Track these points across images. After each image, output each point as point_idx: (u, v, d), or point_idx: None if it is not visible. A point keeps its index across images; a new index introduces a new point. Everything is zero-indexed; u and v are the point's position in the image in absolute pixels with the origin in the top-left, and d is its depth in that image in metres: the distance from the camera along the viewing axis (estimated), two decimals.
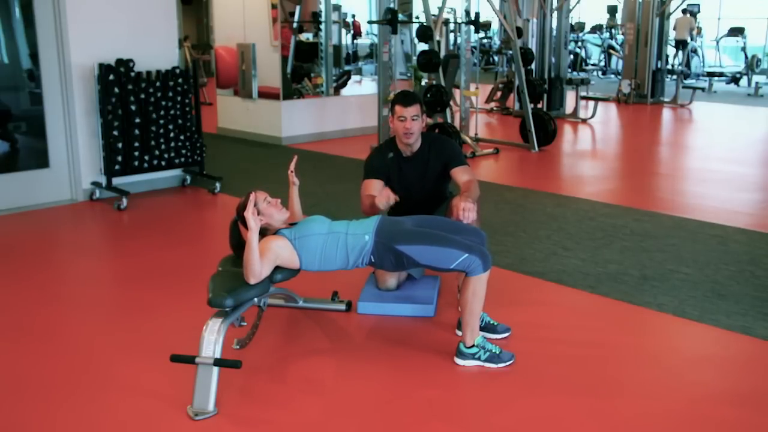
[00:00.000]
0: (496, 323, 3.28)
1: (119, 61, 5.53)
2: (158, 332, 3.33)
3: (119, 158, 5.59)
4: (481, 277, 2.93)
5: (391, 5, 7.14)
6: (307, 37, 9.47)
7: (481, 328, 3.19)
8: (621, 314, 3.58)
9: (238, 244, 3.04)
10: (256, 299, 2.97)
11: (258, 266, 2.82)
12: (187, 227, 5.23)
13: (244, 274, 2.83)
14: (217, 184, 5.95)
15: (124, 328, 3.40)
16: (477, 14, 8.55)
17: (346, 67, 10.58)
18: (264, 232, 3.02)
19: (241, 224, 3.01)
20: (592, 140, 9.20)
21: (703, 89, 12.84)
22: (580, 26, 17.91)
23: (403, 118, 3.52)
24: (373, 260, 3.07)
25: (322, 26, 9.22)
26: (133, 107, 5.58)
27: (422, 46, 7.86)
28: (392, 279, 3.62)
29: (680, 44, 14.71)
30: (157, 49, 5.88)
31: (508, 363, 2.99)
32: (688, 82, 13.70)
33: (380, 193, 3.31)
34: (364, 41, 12.41)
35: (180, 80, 5.86)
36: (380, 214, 3.55)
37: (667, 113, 11.26)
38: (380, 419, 2.64)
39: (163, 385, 2.83)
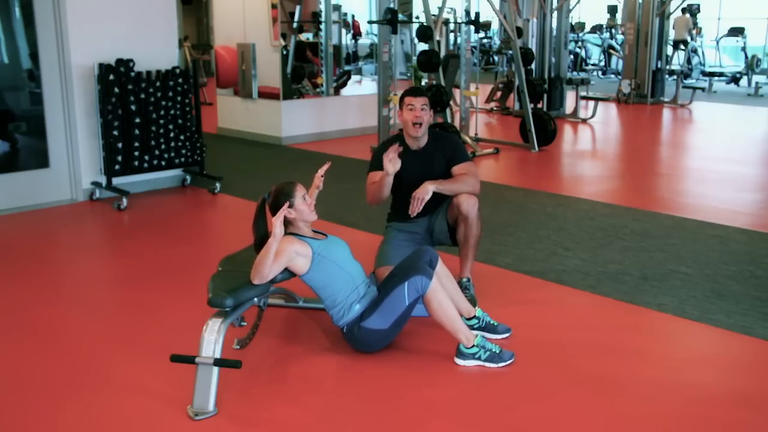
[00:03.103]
0: (496, 323, 3.28)
1: (119, 61, 5.53)
2: (158, 332, 3.33)
3: (119, 158, 5.59)
4: (432, 287, 2.92)
5: (391, 5, 7.14)
6: (307, 37, 9.48)
7: (482, 329, 3.20)
8: (621, 314, 3.58)
9: (264, 231, 2.96)
10: (256, 299, 2.97)
11: (268, 270, 2.81)
12: (187, 227, 5.23)
13: (251, 273, 2.83)
14: (217, 184, 5.95)
15: (124, 328, 3.40)
16: (477, 14, 8.54)
17: (346, 67, 10.59)
18: (285, 225, 2.95)
19: (270, 209, 2.96)
20: (592, 140, 9.20)
21: (703, 89, 12.83)
22: (580, 26, 17.90)
23: (412, 106, 3.57)
24: (344, 331, 3.04)
25: (322, 26, 9.22)
26: (133, 107, 5.58)
27: (422, 46, 7.86)
28: None
29: (679, 44, 14.71)
30: (157, 49, 5.88)
31: (508, 362, 2.99)
32: (688, 82, 13.70)
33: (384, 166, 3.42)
34: (364, 41, 12.42)
35: (180, 80, 5.86)
36: (381, 196, 3.56)
37: (667, 113, 11.26)
38: (380, 419, 2.64)
39: (163, 385, 2.83)
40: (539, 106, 8.47)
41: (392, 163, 3.38)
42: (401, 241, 3.70)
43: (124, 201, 5.42)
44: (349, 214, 5.12)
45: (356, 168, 6.22)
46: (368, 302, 3.03)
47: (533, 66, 9.17)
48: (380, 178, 3.48)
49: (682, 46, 14.75)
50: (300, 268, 2.97)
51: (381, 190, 3.53)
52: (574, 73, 15.94)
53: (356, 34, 12.28)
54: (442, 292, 2.97)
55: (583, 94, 11.16)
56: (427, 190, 3.45)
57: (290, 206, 2.92)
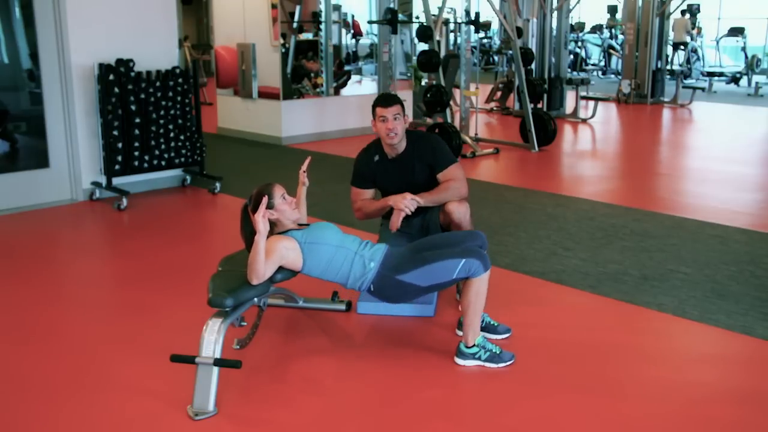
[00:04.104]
0: (496, 324, 3.28)
1: (119, 61, 5.53)
2: (158, 332, 3.33)
3: (119, 158, 5.59)
4: (483, 277, 2.93)
5: (391, 5, 7.14)
6: (307, 36, 9.47)
7: (482, 329, 3.19)
8: (621, 314, 3.58)
9: (251, 233, 3.00)
10: (256, 299, 2.97)
11: (262, 267, 2.81)
12: (187, 227, 5.23)
13: (248, 274, 2.83)
14: (217, 184, 5.95)
15: (124, 329, 3.40)
16: (477, 14, 8.54)
17: (346, 67, 10.58)
18: (271, 227, 2.98)
19: (251, 213, 2.99)
20: (592, 140, 9.20)
21: (703, 89, 12.83)
22: (580, 26, 17.90)
23: (384, 118, 3.46)
24: (372, 289, 3.06)
25: (322, 26, 9.22)
26: (133, 107, 5.58)
27: (422, 46, 7.86)
28: None
29: (678, 46, 14.71)
30: (157, 49, 5.88)
31: (508, 363, 2.99)
32: (688, 82, 13.69)
33: (392, 222, 3.46)
34: (364, 41, 12.41)
35: (180, 80, 5.86)
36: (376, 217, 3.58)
37: (667, 113, 11.26)
38: (380, 419, 2.64)
39: (163, 385, 2.83)
40: (539, 106, 8.46)
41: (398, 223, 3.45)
42: (396, 238, 3.67)
43: (124, 201, 5.42)
44: (349, 215, 5.11)
45: None
46: (382, 257, 3.04)
47: (533, 66, 9.16)
48: (380, 206, 3.55)
49: (682, 47, 14.74)
50: (295, 262, 2.98)
51: (375, 215, 3.63)
52: (574, 73, 15.93)
53: (356, 34, 12.26)
54: (486, 286, 2.97)
55: (583, 94, 11.16)
56: (409, 205, 3.40)
57: (270, 207, 2.93)
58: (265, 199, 2.85)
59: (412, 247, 3.18)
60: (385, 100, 3.53)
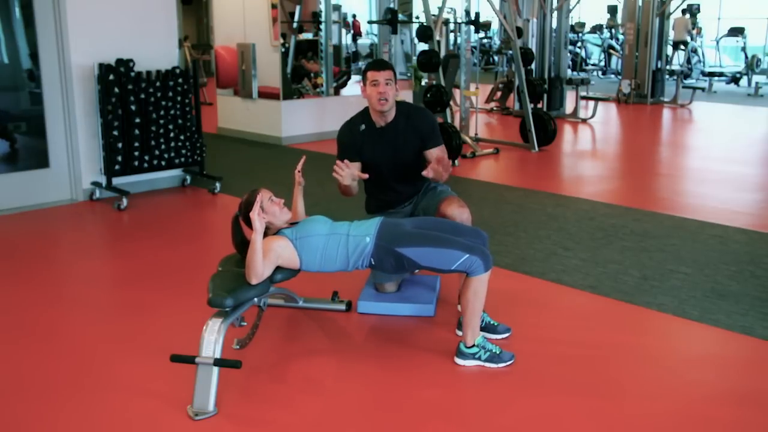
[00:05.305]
0: (496, 323, 3.28)
1: (119, 61, 5.53)
2: (158, 332, 3.33)
3: (119, 158, 5.59)
4: (482, 277, 2.93)
5: (391, 5, 7.14)
6: (307, 36, 9.48)
7: (482, 329, 3.19)
8: (621, 314, 3.58)
9: (242, 241, 3.05)
10: (256, 299, 2.97)
11: (261, 267, 2.82)
12: (187, 227, 5.23)
13: (246, 274, 2.84)
14: (217, 184, 5.95)
15: (124, 329, 3.40)
16: (477, 14, 8.54)
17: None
18: (264, 231, 3.01)
19: (243, 221, 3.03)
20: (592, 140, 9.20)
21: (703, 89, 12.83)
22: (580, 26, 17.90)
23: (376, 82, 3.37)
24: (372, 262, 3.06)
25: (322, 26, 9.23)
26: (133, 107, 5.58)
27: (422, 46, 7.86)
28: (391, 285, 3.62)
29: (678, 45, 14.71)
30: (157, 49, 5.88)
31: (508, 363, 2.99)
32: (688, 82, 13.70)
33: (344, 173, 3.28)
34: (364, 41, 12.42)
35: (180, 80, 5.86)
36: (350, 190, 3.48)
37: (667, 113, 11.26)
38: (380, 419, 2.64)
39: (163, 385, 2.83)
40: (539, 106, 8.46)
41: (347, 175, 3.27)
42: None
43: (124, 201, 5.42)
44: (349, 214, 5.11)
45: None
46: (376, 229, 3.03)
47: (533, 66, 9.16)
48: (344, 185, 3.40)
49: (682, 47, 14.74)
50: (291, 259, 3.00)
51: (349, 192, 3.48)
52: (574, 73, 15.93)
53: (356, 34, 12.27)
54: (486, 286, 2.96)
55: (583, 94, 11.16)
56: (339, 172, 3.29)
57: (262, 211, 2.94)
58: (259, 197, 2.88)
59: (413, 222, 3.17)
60: (377, 64, 3.45)
